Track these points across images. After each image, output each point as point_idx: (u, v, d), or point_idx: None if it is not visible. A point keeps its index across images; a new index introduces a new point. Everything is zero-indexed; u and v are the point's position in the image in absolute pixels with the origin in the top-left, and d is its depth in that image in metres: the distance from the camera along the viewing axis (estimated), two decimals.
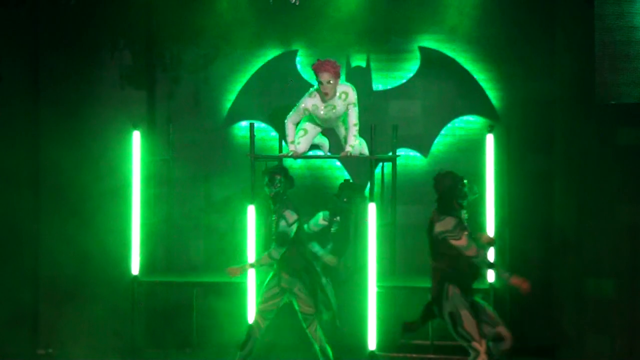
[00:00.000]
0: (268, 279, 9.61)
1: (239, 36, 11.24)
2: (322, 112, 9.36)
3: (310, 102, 9.33)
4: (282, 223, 9.40)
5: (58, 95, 11.31)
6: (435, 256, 8.59)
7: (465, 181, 10.71)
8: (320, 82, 9.23)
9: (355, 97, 9.35)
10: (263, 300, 9.54)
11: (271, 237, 9.52)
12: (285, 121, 9.49)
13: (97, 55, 11.39)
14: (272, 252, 9.41)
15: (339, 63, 9.26)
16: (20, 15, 10.95)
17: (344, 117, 9.46)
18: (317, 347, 9.61)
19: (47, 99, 11.36)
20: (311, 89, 9.45)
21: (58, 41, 11.29)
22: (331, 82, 9.21)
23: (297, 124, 9.53)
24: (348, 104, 9.33)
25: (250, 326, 9.48)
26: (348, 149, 9.40)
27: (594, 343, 9.13)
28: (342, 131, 9.59)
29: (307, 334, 9.60)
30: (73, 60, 11.31)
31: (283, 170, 9.60)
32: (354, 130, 9.36)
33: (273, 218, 9.53)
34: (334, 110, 9.36)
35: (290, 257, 9.48)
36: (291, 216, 9.42)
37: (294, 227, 9.44)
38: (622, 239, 10.40)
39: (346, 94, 9.31)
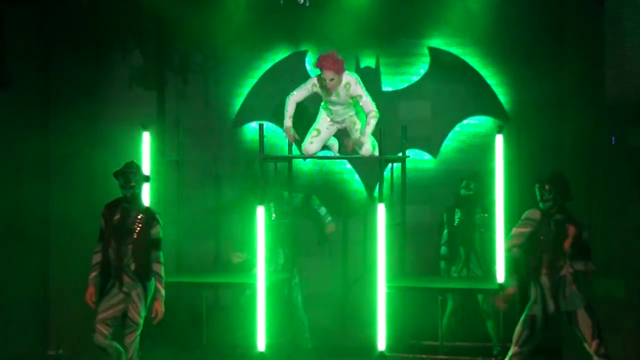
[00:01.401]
0: (108, 286, 9.12)
1: (248, 37, 11.24)
2: (327, 94, 9.33)
3: (317, 81, 9.31)
4: (157, 228, 9.09)
5: (68, 96, 11.31)
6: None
7: (463, 181, 10.84)
8: (323, 79, 9.22)
9: (361, 87, 9.29)
10: (104, 309, 9.05)
11: (125, 241, 9.03)
12: (288, 97, 9.41)
13: (107, 56, 11.42)
14: (160, 259, 9.07)
15: (340, 56, 9.19)
16: (30, 16, 10.96)
17: (359, 112, 9.42)
18: (129, 354, 9.08)
19: (57, 100, 11.37)
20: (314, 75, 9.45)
21: (68, 42, 11.29)
22: (334, 79, 9.19)
23: (300, 102, 9.42)
24: (353, 96, 9.28)
25: (92, 340, 9.12)
26: (364, 139, 9.31)
27: (605, 341, 9.07)
28: (355, 134, 9.56)
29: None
30: (83, 61, 11.31)
31: (136, 168, 9.21)
32: (372, 120, 9.28)
33: (131, 222, 9.05)
34: (337, 97, 9.33)
35: (147, 261, 9.11)
36: (160, 219, 9.14)
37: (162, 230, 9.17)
38: (632, 239, 10.38)
39: (349, 84, 9.27)
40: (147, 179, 9.26)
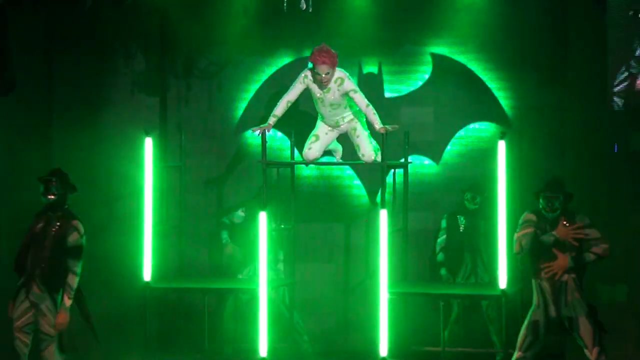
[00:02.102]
0: (16, 294, 8.90)
1: (251, 43, 11.28)
2: (317, 88, 9.24)
3: (309, 73, 9.21)
4: (75, 235, 8.88)
5: (71, 101, 11.34)
6: None
7: (468, 194, 10.81)
8: (317, 73, 9.13)
9: (352, 82, 9.22)
10: (17, 318, 8.83)
11: (40, 249, 8.84)
12: (282, 98, 9.35)
13: (110, 61, 11.45)
14: (75, 270, 8.83)
15: (334, 50, 9.12)
16: (34, 22, 10.97)
17: (357, 112, 9.41)
18: None
19: (60, 105, 11.39)
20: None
21: (71, 47, 11.33)
22: (329, 73, 9.12)
23: (292, 101, 9.32)
24: (345, 91, 9.19)
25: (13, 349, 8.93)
26: (378, 124, 9.15)
27: (608, 348, 9.05)
28: (354, 140, 9.49)
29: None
30: (86, 66, 11.35)
31: (59, 174, 9.00)
32: (370, 111, 9.19)
33: (49, 230, 8.86)
34: (328, 93, 9.24)
35: (58, 271, 8.86)
36: (81, 226, 8.93)
37: (85, 237, 9.03)
38: (635, 245, 10.43)
39: (341, 80, 9.18)
40: (73, 188, 9.06)
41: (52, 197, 8.92)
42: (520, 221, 8.72)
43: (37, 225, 8.92)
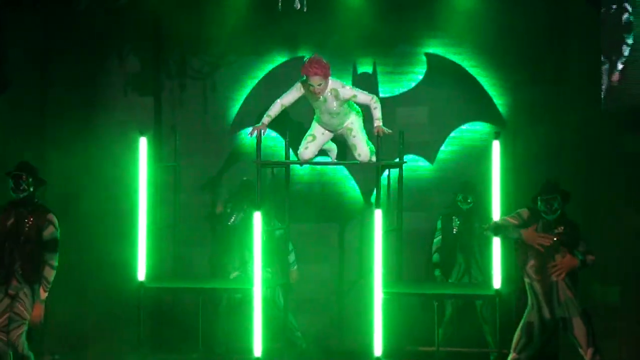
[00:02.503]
0: None
1: (245, 43, 11.29)
2: (315, 100, 9.28)
3: (304, 86, 9.24)
4: (51, 228, 8.87)
5: (65, 101, 11.30)
6: None
7: (459, 195, 10.80)
8: (310, 85, 9.13)
9: (349, 88, 9.23)
10: None
11: (16, 245, 8.84)
12: (276, 100, 9.37)
13: (104, 62, 11.44)
14: (52, 263, 8.85)
15: (325, 60, 9.13)
16: (29, 22, 10.96)
17: (357, 112, 9.42)
18: (15, 353, 8.86)
19: (54, 105, 11.37)
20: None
21: (66, 47, 11.30)
22: (322, 84, 9.11)
23: (286, 106, 9.33)
24: (345, 100, 9.20)
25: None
26: (377, 123, 9.17)
27: (601, 349, 9.06)
28: (351, 140, 9.49)
29: None
30: (80, 67, 11.33)
31: (29, 168, 8.94)
32: (376, 108, 9.19)
33: (22, 225, 8.83)
34: (325, 104, 9.25)
35: (37, 265, 8.89)
36: (55, 219, 8.91)
37: (59, 231, 8.95)
38: (629, 245, 10.45)
39: (336, 90, 9.17)
40: (41, 181, 9.03)
41: (23, 192, 8.88)
42: (515, 212, 8.76)
43: (7, 221, 8.87)
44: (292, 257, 10.79)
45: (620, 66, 10.27)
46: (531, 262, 8.65)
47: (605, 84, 10.24)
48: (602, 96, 10.24)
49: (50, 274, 8.90)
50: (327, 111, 9.30)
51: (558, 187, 8.70)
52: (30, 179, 8.92)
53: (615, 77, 10.28)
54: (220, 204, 10.98)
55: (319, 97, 9.19)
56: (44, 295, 8.88)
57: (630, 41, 10.24)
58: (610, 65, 10.29)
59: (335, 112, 9.29)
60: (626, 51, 10.26)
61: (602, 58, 10.26)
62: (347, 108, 9.36)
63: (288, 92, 9.34)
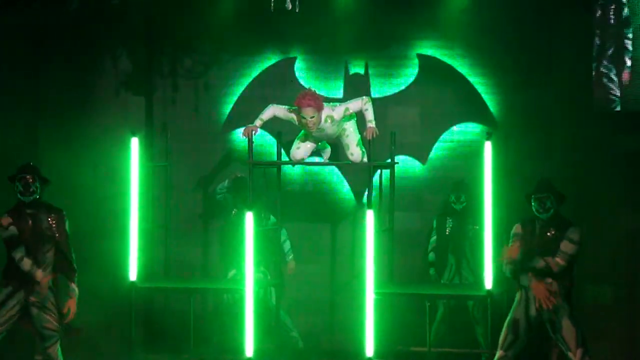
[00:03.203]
0: (4, 296, 8.74)
1: (237, 43, 11.28)
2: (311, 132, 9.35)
3: (297, 118, 9.29)
4: (67, 223, 8.86)
5: (57, 102, 11.30)
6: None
7: (452, 195, 10.79)
8: (303, 117, 9.19)
9: (340, 106, 9.31)
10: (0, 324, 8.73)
11: (44, 248, 8.78)
12: (271, 105, 9.41)
13: (95, 62, 11.40)
14: (73, 256, 8.88)
15: (319, 93, 9.26)
16: (20, 22, 10.93)
17: (351, 119, 9.46)
18: None
19: (46, 105, 11.35)
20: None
21: (57, 48, 11.28)
22: (314, 117, 9.17)
23: (278, 116, 9.40)
24: (342, 118, 9.29)
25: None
26: (370, 125, 9.22)
27: (592, 350, 9.08)
28: (344, 140, 9.54)
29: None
30: (72, 67, 11.30)
31: (34, 171, 8.84)
32: (368, 109, 9.25)
33: (46, 227, 8.78)
34: (323, 132, 9.36)
35: (68, 263, 8.87)
36: (65, 213, 8.89)
37: None
38: (621, 246, 10.49)
39: (331, 117, 9.26)
40: (46, 181, 8.94)
41: (33, 194, 8.82)
42: (511, 234, 8.78)
43: (25, 225, 8.75)
44: (287, 246, 10.81)
45: (612, 68, 10.29)
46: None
47: (596, 85, 10.25)
48: (594, 97, 10.24)
49: (73, 267, 8.94)
50: (326, 135, 9.45)
51: (551, 186, 8.72)
52: (37, 180, 8.86)
53: (607, 78, 10.29)
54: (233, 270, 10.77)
55: (312, 130, 9.23)
56: (76, 289, 8.92)
57: (622, 43, 10.26)
58: (602, 66, 10.30)
59: (335, 133, 9.42)
60: (618, 53, 10.28)
61: (593, 60, 10.25)
62: (342, 121, 9.41)
63: (282, 106, 9.42)
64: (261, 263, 10.44)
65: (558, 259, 8.55)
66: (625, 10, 10.24)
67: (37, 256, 8.74)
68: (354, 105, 9.32)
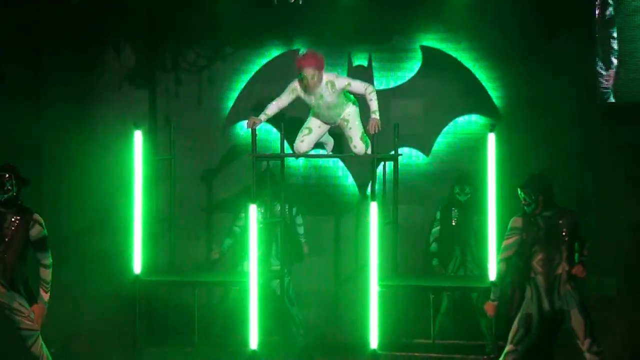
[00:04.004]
0: None
1: (240, 36, 11.30)
2: (311, 99, 9.32)
3: (297, 84, 9.29)
4: (38, 228, 8.74)
5: (60, 96, 11.32)
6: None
7: (457, 187, 10.78)
8: (304, 77, 9.20)
9: (344, 77, 9.36)
10: None
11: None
12: (272, 102, 9.43)
13: (99, 56, 11.44)
14: (45, 262, 8.75)
15: (320, 54, 9.22)
16: (22, 16, 10.94)
17: (353, 102, 9.43)
18: None
19: (49, 99, 11.37)
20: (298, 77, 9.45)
21: (60, 42, 11.31)
22: (315, 77, 9.17)
23: (282, 107, 9.42)
24: (342, 89, 9.26)
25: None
26: (374, 116, 9.20)
27: (597, 340, 9.09)
28: (347, 132, 9.53)
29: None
30: (75, 61, 11.33)
31: (12, 170, 8.81)
32: (372, 97, 9.22)
33: (6, 227, 8.68)
34: (322, 100, 9.31)
35: (20, 267, 8.77)
36: (41, 218, 8.80)
37: (46, 229, 8.84)
38: (623, 237, 10.52)
39: (332, 82, 9.24)
40: (24, 181, 8.87)
41: (8, 193, 8.76)
42: (508, 227, 8.83)
43: None
44: (301, 230, 10.84)
45: (614, 60, 10.29)
46: (539, 256, 8.71)
47: (599, 77, 10.25)
48: (597, 90, 10.24)
49: (47, 274, 8.81)
50: (326, 105, 9.36)
51: (541, 181, 8.75)
52: (14, 179, 8.80)
53: (610, 70, 10.30)
54: (217, 251, 10.83)
55: (314, 91, 9.22)
56: (46, 297, 8.79)
57: (624, 34, 10.27)
58: (605, 59, 10.29)
59: (334, 104, 9.34)
60: (620, 45, 10.28)
61: (596, 52, 10.28)
62: (343, 99, 9.41)
63: (282, 94, 9.42)
64: (276, 256, 10.52)
65: (585, 251, 8.80)
66: (610, 9, 10.25)
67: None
68: (356, 85, 9.27)
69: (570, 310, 8.65)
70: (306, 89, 9.25)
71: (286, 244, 10.38)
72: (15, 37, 10.90)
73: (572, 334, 8.70)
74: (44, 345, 8.87)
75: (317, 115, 9.52)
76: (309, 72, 9.14)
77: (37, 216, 8.83)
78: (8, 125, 10.70)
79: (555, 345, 9.63)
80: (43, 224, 8.83)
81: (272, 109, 9.42)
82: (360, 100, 9.62)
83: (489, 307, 8.92)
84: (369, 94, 9.24)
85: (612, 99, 10.30)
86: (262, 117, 9.44)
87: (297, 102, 9.60)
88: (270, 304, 10.13)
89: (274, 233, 10.52)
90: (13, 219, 8.76)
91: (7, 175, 8.74)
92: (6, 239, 8.73)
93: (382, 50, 11.23)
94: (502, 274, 8.85)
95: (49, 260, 8.82)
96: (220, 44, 11.37)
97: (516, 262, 8.85)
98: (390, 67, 11.24)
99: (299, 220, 10.87)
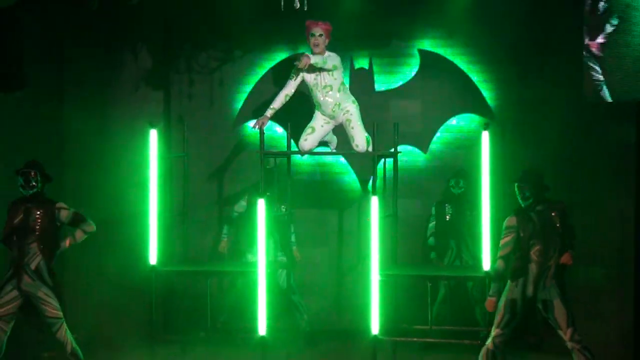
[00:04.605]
0: (5, 281, 8.89)
1: (249, 40, 11.34)
2: (311, 75, 9.54)
3: (304, 59, 9.48)
4: (65, 212, 8.95)
5: (81, 96, 11.34)
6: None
7: (452, 180, 10.83)
8: (312, 35, 9.46)
9: (339, 60, 9.62)
10: (0, 306, 8.82)
11: (27, 240, 8.86)
12: (279, 92, 9.58)
13: (117, 58, 11.45)
14: (86, 228, 9.05)
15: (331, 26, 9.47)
16: (45, 22, 10.97)
17: (353, 104, 9.59)
18: (68, 349, 8.94)
19: (71, 100, 11.39)
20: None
21: (80, 45, 11.33)
22: (322, 35, 9.46)
23: (289, 95, 9.60)
24: (334, 67, 9.53)
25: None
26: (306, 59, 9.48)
27: (584, 328, 9.19)
28: (349, 131, 9.66)
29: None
30: (95, 63, 11.36)
31: (37, 166, 8.94)
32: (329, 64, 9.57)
33: (32, 220, 8.84)
34: (319, 76, 9.54)
35: (49, 260, 8.94)
36: (64, 204, 9.01)
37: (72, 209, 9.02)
38: (610, 230, 10.52)
39: (331, 56, 9.54)
40: (48, 178, 9.03)
41: (33, 189, 8.91)
42: (504, 226, 8.87)
43: (16, 217, 8.91)
44: (292, 237, 10.85)
45: (600, 61, 10.25)
46: (537, 247, 8.79)
47: (588, 77, 10.26)
48: (585, 89, 10.25)
49: (81, 236, 9.05)
50: (323, 85, 9.50)
51: (536, 176, 8.83)
52: (39, 176, 8.95)
53: (598, 70, 10.29)
54: (224, 245, 10.91)
55: (317, 51, 9.44)
56: (68, 245, 9.04)
57: (609, 38, 10.23)
58: (592, 59, 10.31)
59: (329, 85, 9.51)
60: (608, 46, 10.27)
61: (584, 53, 10.19)
62: (342, 95, 9.56)
63: (288, 81, 9.58)
64: (280, 248, 10.61)
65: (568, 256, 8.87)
66: (602, 3, 10.26)
67: (22, 247, 8.89)
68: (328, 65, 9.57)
69: (553, 301, 8.72)
70: (312, 50, 9.46)
71: (290, 236, 10.51)
72: (39, 39, 10.87)
73: (554, 325, 8.75)
74: (68, 332, 8.99)
75: (318, 104, 9.62)
76: (316, 30, 9.44)
77: (59, 204, 9.00)
78: (32, 122, 10.75)
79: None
80: (67, 206, 8.99)
81: (280, 99, 9.56)
82: (360, 101, 9.76)
83: (489, 304, 8.92)
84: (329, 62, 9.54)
85: (599, 99, 10.23)
86: (269, 112, 9.53)
87: (302, 104, 9.80)
88: (273, 293, 10.11)
89: (280, 226, 10.57)
90: (38, 213, 8.91)
91: (32, 172, 8.91)
92: (33, 232, 8.88)
93: (382, 53, 11.27)
94: (501, 272, 8.84)
95: (89, 227, 9.05)
96: (230, 48, 11.39)
97: (514, 258, 8.88)
98: (390, 69, 11.29)
99: (292, 228, 10.83)
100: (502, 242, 8.84)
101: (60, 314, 8.95)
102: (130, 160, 10.72)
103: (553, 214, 8.83)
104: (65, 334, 8.97)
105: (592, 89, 10.11)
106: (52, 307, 8.93)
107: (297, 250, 10.87)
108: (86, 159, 11.26)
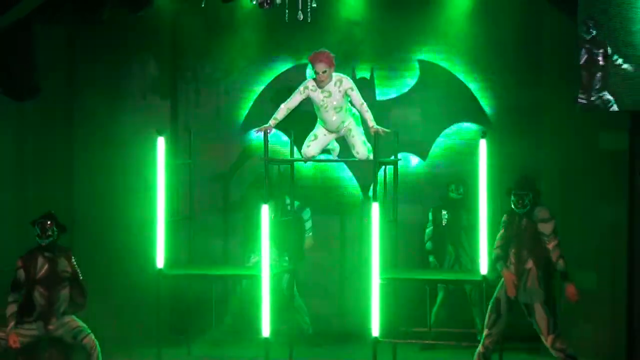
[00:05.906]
0: (25, 321, 8.84)
1: (254, 51, 11.37)
2: (320, 95, 9.42)
3: (310, 83, 9.42)
4: (72, 263, 8.96)
5: (91, 105, 11.38)
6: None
7: (452, 185, 10.83)
8: (316, 72, 9.32)
9: (351, 82, 9.44)
10: (20, 342, 8.75)
11: (57, 288, 8.87)
12: (281, 105, 9.53)
13: (125, 68, 11.48)
14: (85, 294, 9.01)
15: (332, 54, 9.35)
16: (56, 32, 10.99)
17: (353, 115, 9.57)
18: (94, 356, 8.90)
19: (81, 108, 11.43)
20: (309, 77, 9.56)
21: (90, 55, 11.37)
22: (326, 71, 9.31)
23: (291, 109, 9.49)
24: (345, 90, 9.38)
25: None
26: (371, 124, 9.33)
27: (578, 332, 9.18)
28: (350, 140, 9.63)
29: None
30: (104, 73, 11.39)
31: (53, 218, 8.93)
32: (364, 108, 9.40)
33: (62, 269, 8.88)
34: (329, 98, 9.41)
35: (65, 300, 8.94)
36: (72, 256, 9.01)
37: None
38: (604, 235, 10.45)
39: (340, 81, 9.37)
40: (63, 228, 9.02)
41: (49, 238, 8.92)
42: (501, 220, 8.99)
43: (39, 268, 8.86)
44: (308, 224, 10.89)
45: (595, 70, 10.22)
46: (513, 250, 8.86)
47: (581, 86, 10.26)
48: (579, 98, 10.25)
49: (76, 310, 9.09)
50: (332, 106, 9.44)
51: (531, 184, 8.86)
52: (55, 226, 8.93)
53: (590, 79, 10.27)
54: (254, 256, 10.75)
55: (324, 87, 9.34)
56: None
57: (601, 46, 10.22)
58: (585, 69, 10.30)
59: (340, 106, 9.43)
60: (600, 56, 10.25)
61: (578, 62, 10.27)
62: (346, 109, 9.51)
63: (292, 95, 9.50)
64: (284, 251, 10.57)
65: (550, 244, 8.74)
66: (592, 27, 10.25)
67: (52, 295, 8.89)
68: (356, 94, 9.41)
69: (534, 305, 8.69)
70: (318, 84, 9.37)
71: (292, 241, 10.47)
72: (51, 51, 10.91)
73: (537, 329, 8.72)
74: (96, 342, 8.99)
75: (323, 121, 9.59)
76: (320, 67, 9.28)
77: (70, 253, 9.04)
78: (44, 130, 10.75)
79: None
80: (75, 262, 9.01)
81: (282, 112, 9.47)
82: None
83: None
84: (365, 108, 9.39)
85: (593, 108, 10.29)
86: (272, 122, 9.47)
87: (305, 114, 9.77)
88: (275, 296, 10.10)
89: (283, 232, 10.53)
90: (66, 260, 8.96)
91: (49, 223, 8.91)
92: (62, 280, 8.92)
93: (383, 64, 11.30)
94: (495, 259, 8.95)
95: (83, 299, 9.03)
96: (235, 59, 11.41)
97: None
98: (391, 79, 11.32)
99: (306, 215, 10.87)
100: (499, 234, 8.97)
101: (81, 322, 8.98)
102: (138, 167, 10.75)
103: (538, 218, 8.82)
104: (93, 340, 8.96)
105: (587, 96, 10.06)
106: (74, 321, 8.98)
107: (311, 237, 10.88)
108: (95, 165, 11.29)
